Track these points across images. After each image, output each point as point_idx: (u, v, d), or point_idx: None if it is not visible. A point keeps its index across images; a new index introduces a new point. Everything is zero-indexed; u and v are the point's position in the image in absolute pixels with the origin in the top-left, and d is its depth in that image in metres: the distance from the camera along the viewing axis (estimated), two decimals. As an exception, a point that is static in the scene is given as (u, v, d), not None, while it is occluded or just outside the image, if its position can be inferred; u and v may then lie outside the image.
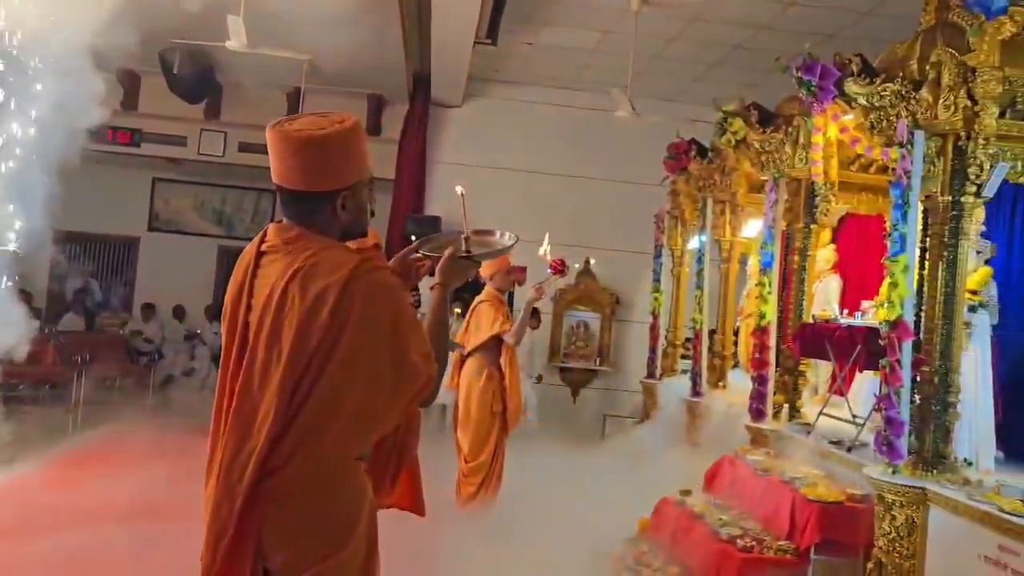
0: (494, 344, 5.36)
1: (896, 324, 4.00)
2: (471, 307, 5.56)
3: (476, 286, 6.90)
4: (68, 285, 12.84)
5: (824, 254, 6.82)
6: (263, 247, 1.89)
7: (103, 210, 12.33)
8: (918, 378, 4.03)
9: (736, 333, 7.85)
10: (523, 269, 10.99)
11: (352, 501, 1.80)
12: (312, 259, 1.80)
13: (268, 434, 1.73)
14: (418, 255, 2.15)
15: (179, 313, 12.34)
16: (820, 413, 5.41)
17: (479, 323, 5.40)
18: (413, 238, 7.54)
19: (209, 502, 1.79)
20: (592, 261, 10.56)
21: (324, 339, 1.74)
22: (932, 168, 4.03)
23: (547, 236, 5.10)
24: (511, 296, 10.01)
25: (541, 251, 5.13)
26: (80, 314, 12.07)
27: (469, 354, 5.47)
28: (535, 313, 9.99)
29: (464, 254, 2.09)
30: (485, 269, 5.52)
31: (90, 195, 11.90)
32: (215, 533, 1.76)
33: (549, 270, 5.41)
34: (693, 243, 8.16)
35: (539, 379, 10.06)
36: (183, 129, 10.89)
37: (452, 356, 5.56)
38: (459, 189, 2.24)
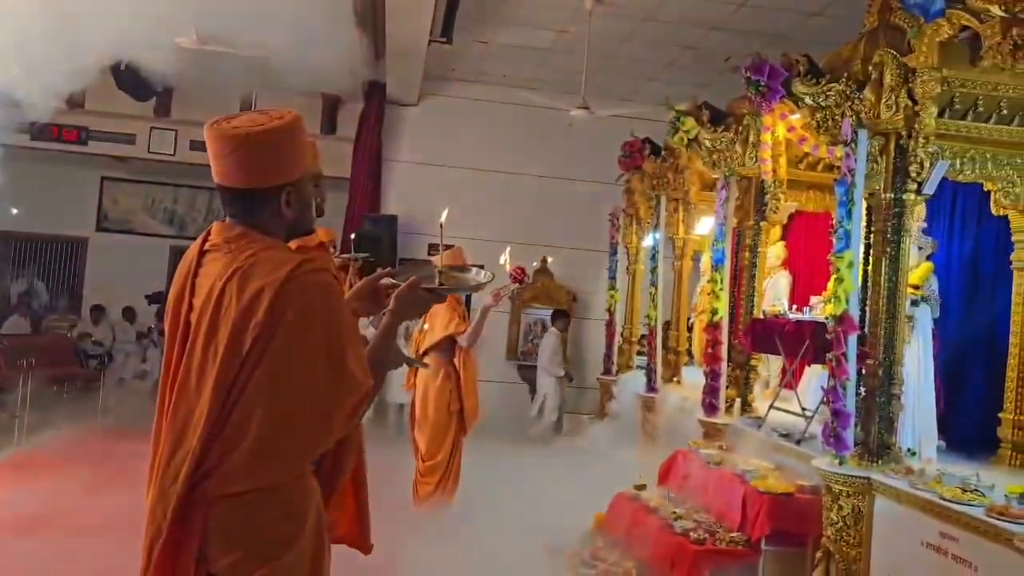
0: (449, 344, 5.37)
1: (842, 318, 4.10)
2: (427, 306, 5.55)
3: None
4: (13, 287, 12.49)
5: (774, 251, 6.94)
6: (206, 246, 1.88)
7: (50, 210, 12.03)
8: (863, 371, 4.13)
9: (690, 329, 7.96)
10: (480, 266, 10.95)
11: (297, 501, 1.78)
12: (251, 259, 1.79)
13: (202, 436, 1.71)
14: (389, 283, 2.13)
15: (129, 315, 12.08)
16: (771, 407, 5.52)
17: (434, 323, 5.40)
18: (352, 237, 7.35)
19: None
20: (549, 259, 10.61)
21: (258, 340, 1.72)
22: (875, 166, 4.14)
23: (508, 248, 5.17)
24: (469, 297, 10.02)
25: (501, 260, 5.18)
26: (25, 316, 11.75)
27: (425, 352, 5.46)
28: (563, 315, 9.94)
29: (428, 287, 2.05)
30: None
31: (37, 194, 11.66)
32: (150, 536, 1.74)
33: (509, 279, 5.49)
34: (647, 241, 8.25)
35: (570, 379, 9.97)
36: (132, 127, 10.65)
37: (410, 349, 5.55)
38: (443, 215, 2.24)
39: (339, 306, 1.82)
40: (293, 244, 1.94)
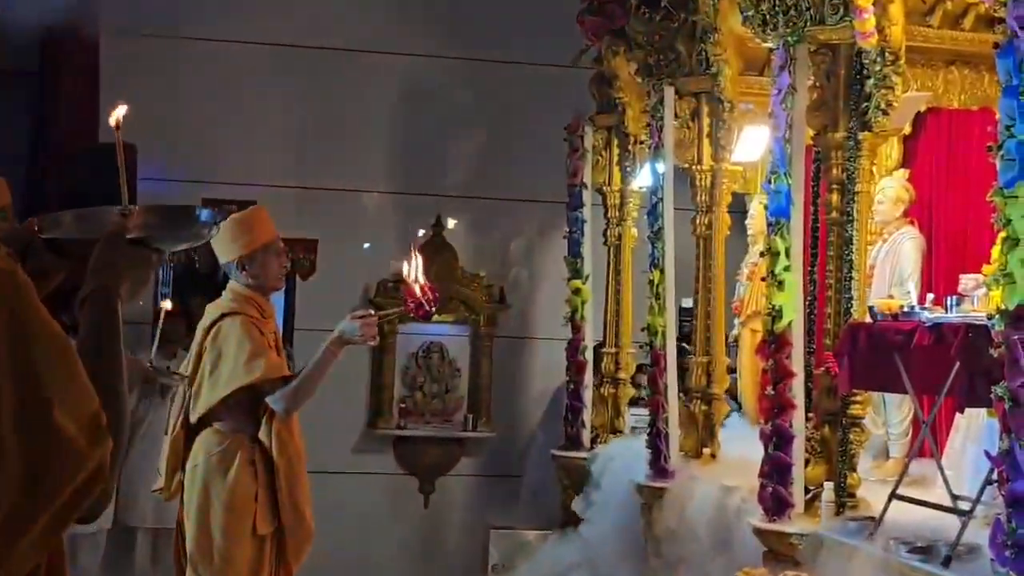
0: (250, 402, 5.33)
1: (1018, 317, 4.19)
2: (205, 326, 5.49)
3: (212, 282, 6.80)
4: None
5: (890, 189, 7.05)
6: None
7: None
8: (1065, 417, 4.23)
9: (730, 348, 8.05)
10: (312, 243, 10.91)
11: None
12: None
13: None
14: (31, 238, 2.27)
15: None
16: (892, 495, 5.61)
17: (219, 361, 5.35)
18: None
19: None
20: (449, 223, 10.60)
21: None
22: (1070, 18, 4.24)
23: (413, 244, 5.13)
24: (289, 297, 9.93)
25: (406, 270, 5.15)
26: None
27: (202, 422, 5.41)
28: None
29: (136, 236, 2.22)
30: (230, 246, 5.46)
31: None
32: None
33: (407, 304, 5.35)
34: (642, 178, 8.31)
35: None
36: None
37: (173, 419, 5.50)
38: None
39: (35, 313, 1.88)
40: None
